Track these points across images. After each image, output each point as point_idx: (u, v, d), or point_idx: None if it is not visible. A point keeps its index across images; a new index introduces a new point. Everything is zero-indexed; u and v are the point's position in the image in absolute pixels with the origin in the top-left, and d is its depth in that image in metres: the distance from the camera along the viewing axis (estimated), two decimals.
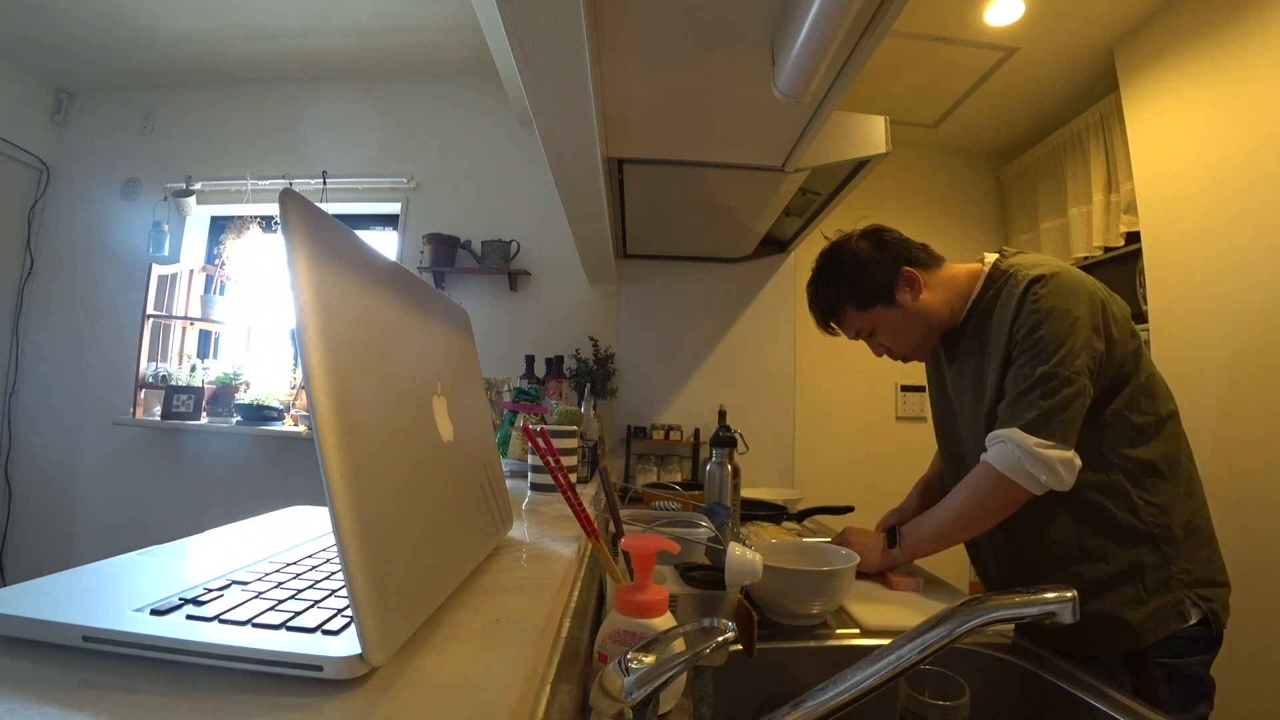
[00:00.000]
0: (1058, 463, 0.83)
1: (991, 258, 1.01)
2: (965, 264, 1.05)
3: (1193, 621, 0.84)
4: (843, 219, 2.41)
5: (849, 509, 1.56)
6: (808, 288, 1.10)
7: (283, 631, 0.32)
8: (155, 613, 0.33)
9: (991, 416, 0.93)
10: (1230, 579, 0.89)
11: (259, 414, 2.39)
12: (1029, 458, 0.83)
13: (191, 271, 2.68)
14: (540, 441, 0.62)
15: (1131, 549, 0.87)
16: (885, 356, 1.11)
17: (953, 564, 1.18)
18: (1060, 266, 0.92)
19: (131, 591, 0.37)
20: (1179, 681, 0.84)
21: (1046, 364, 0.86)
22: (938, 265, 1.05)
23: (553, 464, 0.57)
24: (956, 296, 1.02)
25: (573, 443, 1.06)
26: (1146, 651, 0.84)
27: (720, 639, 0.37)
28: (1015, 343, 0.90)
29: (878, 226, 1.07)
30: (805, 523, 1.55)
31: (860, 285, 1.02)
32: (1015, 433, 0.85)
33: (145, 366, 2.44)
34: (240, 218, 2.55)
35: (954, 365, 1.06)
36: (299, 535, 0.56)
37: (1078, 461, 0.84)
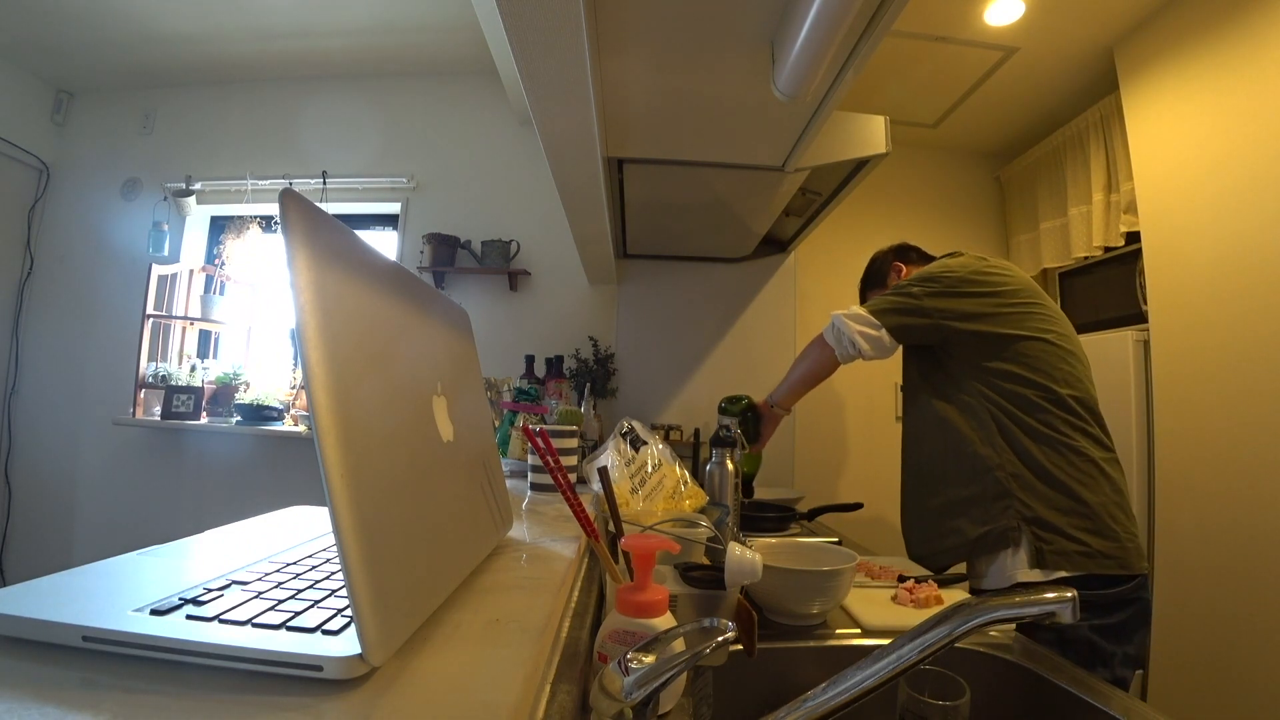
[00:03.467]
0: (856, 334, 1.19)
1: None
2: None
3: (1022, 553, 1.02)
4: (843, 219, 2.43)
5: (858, 505, 1.57)
6: None
7: (283, 631, 0.32)
8: (155, 613, 0.33)
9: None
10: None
11: (259, 414, 2.39)
12: (835, 328, 1.24)
13: (191, 271, 2.68)
14: (540, 441, 0.62)
15: (985, 476, 1.09)
16: None
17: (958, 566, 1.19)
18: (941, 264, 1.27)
19: (131, 591, 0.37)
20: (1070, 645, 0.95)
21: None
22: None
23: (552, 464, 0.57)
24: None
25: (573, 443, 1.06)
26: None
27: (720, 639, 0.37)
28: None
29: (907, 244, 1.49)
30: (808, 525, 1.55)
31: (870, 273, 1.51)
32: (839, 313, 1.24)
33: (145, 366, 2.44)
34: (240, 218, 2.54)
35: None
36: (299, 535, 0.56)
37: (886, 340, 1.18)
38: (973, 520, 1.09)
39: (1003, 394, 1.12)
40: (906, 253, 1.45)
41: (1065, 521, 1.03)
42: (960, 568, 1.14)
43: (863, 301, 1.42)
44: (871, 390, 2.62)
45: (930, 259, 1.38)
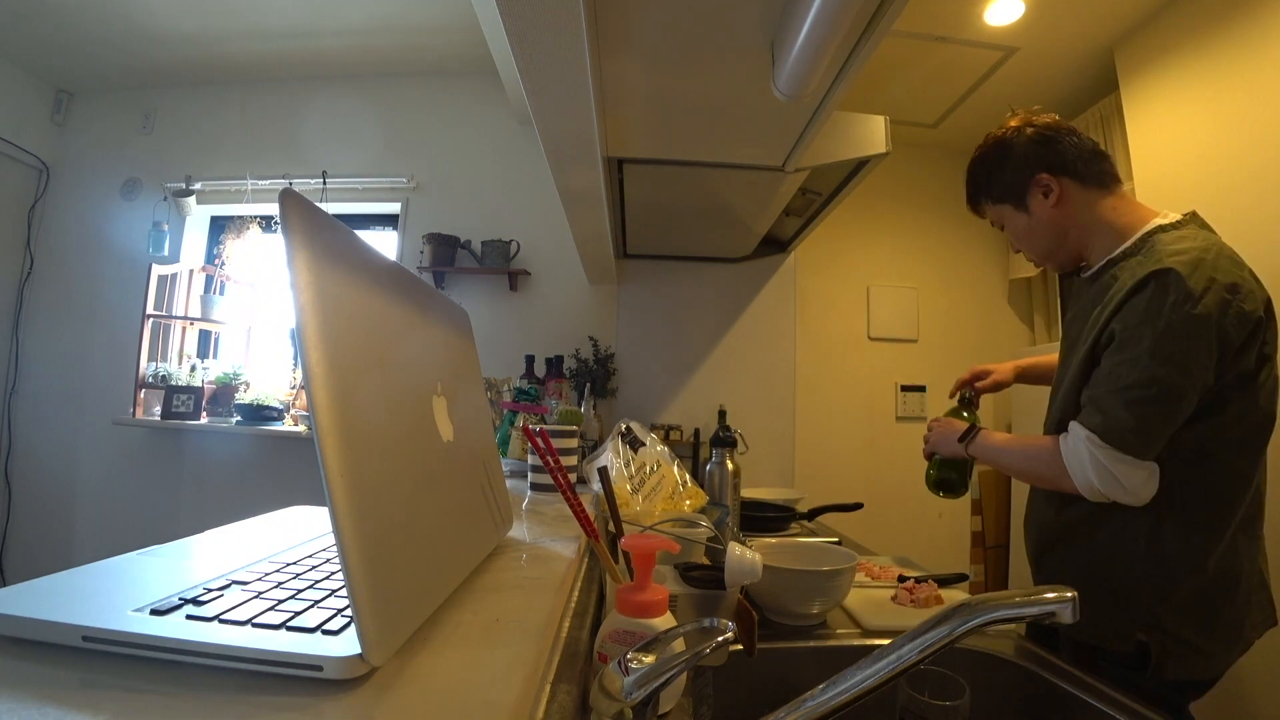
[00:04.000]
0: (1125, 477, 0.79)
1: (1163, 219, 0.92)
2: (1148, 209, 0.95)
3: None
4: (843, 219, 2.42)
5: (858, 506, 1.56)
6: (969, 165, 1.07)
7: (283, 631, 0.32)
8: (155, 613, 0.33)
9: (1070, 392, 0.89)
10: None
11: (259, 414, 2.39)
12: (1094, 466, 0.80)
13: (191, 271, 2.68)
14: (540, 441, 0.62)
15: (1144, 583, 0.83)
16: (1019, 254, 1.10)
17: (958, 566, 1.19)
18: (1195, 259, 0.80)
19: (131, 591, 0.37)
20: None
21: (1139, 369, 0.78)
22: (1105, 187, 0.94)
23: (552, 464, 0.57)
24: (1110, 234, 0.93)
25: (573, 443, 1.06)
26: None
27: (720, 639, 0.37)
28: (1113, 332, 0.83)
29: (1059, 125, 0.96)
30: (808, 525, 1.55)
31: (995, 180, 1.01)
32: (1091, 436, 0.80)
33: (145, 366, 2.44)
34: (240, 218, 2.55)
35: (1069, 312, 1.04)
36: (299, 535, 0.56)
37: (1155, 478, 0.80)
38: (1114, 634, 0.86)
39: (1206, 474, 0.83)
40: (1061, 158, 0.94)
41: (1206, 636, 0.82)
42: (961, 569, 1.13)
43: (974, 207, 1.08)
44: (872, 390, 2.62)
45: (1113, 185, 0.96)
